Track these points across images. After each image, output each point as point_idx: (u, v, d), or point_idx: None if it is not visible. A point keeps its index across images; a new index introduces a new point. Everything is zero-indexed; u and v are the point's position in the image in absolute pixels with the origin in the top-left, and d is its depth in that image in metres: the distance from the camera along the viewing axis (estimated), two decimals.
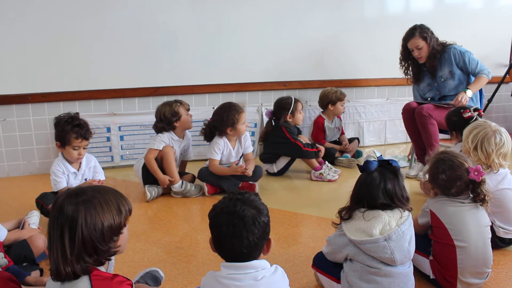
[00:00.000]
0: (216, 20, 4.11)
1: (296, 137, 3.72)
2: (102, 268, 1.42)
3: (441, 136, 3.56)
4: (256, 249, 1.46)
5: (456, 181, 2.01)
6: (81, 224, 1.32)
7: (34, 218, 2.66)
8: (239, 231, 1.42)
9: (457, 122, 2.94)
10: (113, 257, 1.88)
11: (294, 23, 4.30)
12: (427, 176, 2.16)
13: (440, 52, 3.64)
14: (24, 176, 3.90)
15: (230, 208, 1.45)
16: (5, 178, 3.84)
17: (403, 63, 3.84)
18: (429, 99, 3.78)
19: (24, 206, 2.96)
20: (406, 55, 3.78)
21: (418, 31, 3.62)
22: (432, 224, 2.07)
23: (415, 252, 1.86)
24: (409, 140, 3.94)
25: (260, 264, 1.45)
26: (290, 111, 3.72)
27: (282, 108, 3.74)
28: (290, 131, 3.71)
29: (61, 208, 1.35)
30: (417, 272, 2.07)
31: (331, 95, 4.18)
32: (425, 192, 2.29)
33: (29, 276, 1.99)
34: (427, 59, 3.67)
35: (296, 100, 3.77)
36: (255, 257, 1.47)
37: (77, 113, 2.86)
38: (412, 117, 3.60)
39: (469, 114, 2.89)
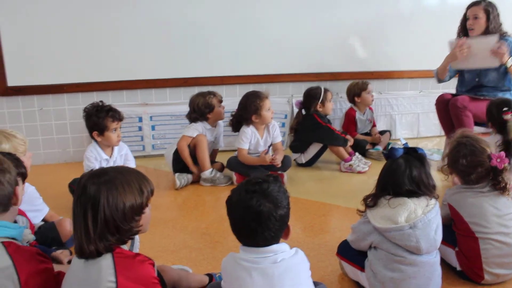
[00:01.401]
0: (246, 10, 4.10)
1: (327, 122, 3.72)
2: (124, 247, 1.45)
3: (476, 129, 3.45)
4: (273, 239, 1.44)
5: (477, 167, 1.94)
6: (103, 204, 1.35)
7: None
8: (254, 227, 1.40)
9: (495, 116, 2.72)
10: (137, 237, 1.92)
11: (325, 13, 4.26)
12: (446, 160, 2.09)
13: None
14: (59, 164, 4.01)
15: (246, 202, 1.41)
16: (42, 165, 3.95)
17: (460, 35, 3.64)
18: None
19: (59, 192, 3.02)
20: (464, 26, 3.60)
21: (484, 3, 3.47)
22: (452, 217, 2.02)
23: (441, 243, 1.81)
24: (442, 133, 3.84)
25: (280, 248, 1.44)
26: (320, 100, 3.70)
27: (312, 97, 3.73)
28: (321, 116, 3.71)
29: (84, 188, 1.38)
30: (445, 263, 2.02)
31: (353, 88, 4.16)
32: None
33: (54, 252, 2.03)
34: None
35: (326, 90, 3.75)
36: (273, 244, 1.44)
37: (101, 101, 2.92)
38: (446, 109, 3.50)
39: (509, 117, 2.64)
